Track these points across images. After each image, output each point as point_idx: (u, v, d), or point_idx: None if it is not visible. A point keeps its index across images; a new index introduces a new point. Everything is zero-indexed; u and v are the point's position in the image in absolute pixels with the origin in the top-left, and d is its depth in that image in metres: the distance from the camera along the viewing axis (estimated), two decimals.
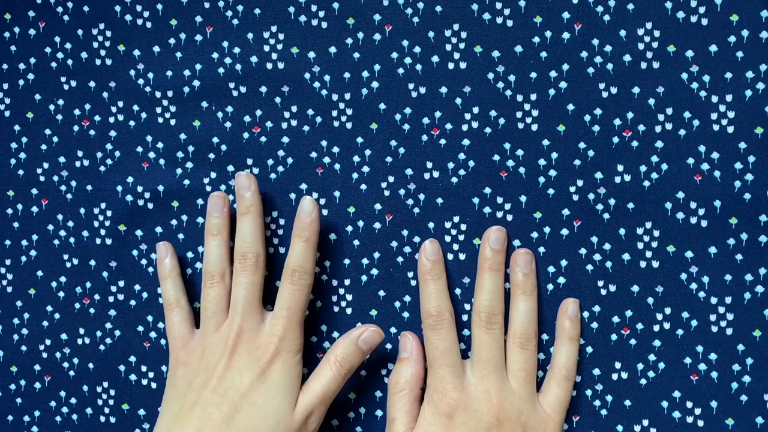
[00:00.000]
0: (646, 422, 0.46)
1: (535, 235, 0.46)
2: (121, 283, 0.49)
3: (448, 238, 0.46)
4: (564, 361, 0.45)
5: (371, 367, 0.47)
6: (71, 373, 0.49)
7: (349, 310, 0.47)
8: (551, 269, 0.46)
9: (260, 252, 0.45)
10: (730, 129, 0.44)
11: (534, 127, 0.46)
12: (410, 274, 0.47)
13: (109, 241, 0.49)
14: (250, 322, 0.44)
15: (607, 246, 0.46)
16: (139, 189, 0.48)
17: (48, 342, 0.49)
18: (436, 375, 0.44)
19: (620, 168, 0.45)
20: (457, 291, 0.46)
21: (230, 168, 0.48)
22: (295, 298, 0.44)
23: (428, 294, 0.45)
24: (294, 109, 0.47)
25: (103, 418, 0.49)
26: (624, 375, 0.46)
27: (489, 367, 0.44)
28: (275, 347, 0.43)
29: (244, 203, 0.45)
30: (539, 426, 0.43)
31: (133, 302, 0.49)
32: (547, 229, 0.46)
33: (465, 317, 0.46)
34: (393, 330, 0.47)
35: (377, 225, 0.47)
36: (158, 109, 0.48)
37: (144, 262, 0.48)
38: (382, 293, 0.47)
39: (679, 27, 0.44)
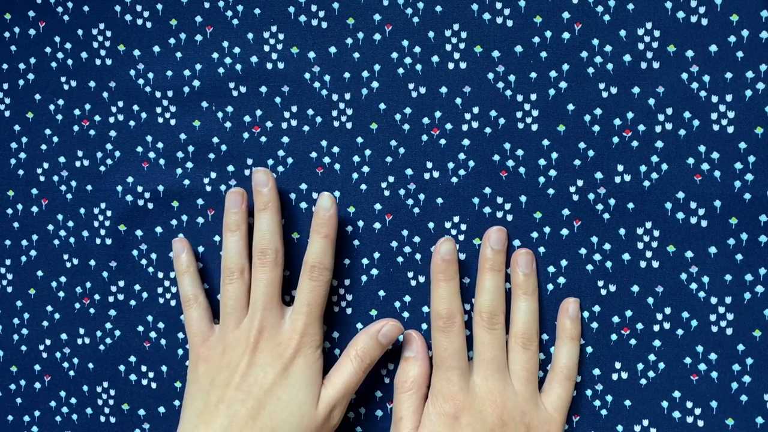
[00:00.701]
0: (646, 422, 0.46)
1: (535, 235, 0.46)
2: (121, 283, 0.49)
3: None
4: (566, 361, 0.45)
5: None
6: (71, 373, 0.49)
7: (349, 310, 0.47)
8: (551, 269, 0.46)
9: (279, 248, 0.45)
10: (730, 129, 0.44)
11: (534, 127, 0.46)
12: (410, 274, 0.47)
13: (109, 241, 0.49)
14: (271, 319, 0.44)
15: (607, 246, 0.46)
16: (139, 189, 0.48)
17: (48, 342, 0.49)
18: (443, 377, 0.44)
19: (620, 168, 0.45)
20: None
21: (230, 168, 0.48)
22: (314, 294, 0.45)
23: (440, 295, 0.45)
24: (294, 109, 0.47)
25: (103, 418, 0.49)
26: (624, 375, 0.46)
27: (492, 367, 0.44)
28: (297, 343, 0.44)
29: (262, 199, 0.45)
30: (542, 426, 0.43)
31: (133, 302, 0.49)
32: (547, 229, 0.46)
33: (465, 317, 0.46)
34: None
35: (377, 225, 0.47)
36: (158, 109, 0.48)
37: (144, 262, 0.48)
38: (382, 293, 0.47)
39: (679, 27, 0.44)
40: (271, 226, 0.45)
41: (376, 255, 0.47)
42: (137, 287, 0.49)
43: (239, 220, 0.46)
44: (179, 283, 0.47)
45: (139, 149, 0.48)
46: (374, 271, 0.47)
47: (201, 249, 0.48)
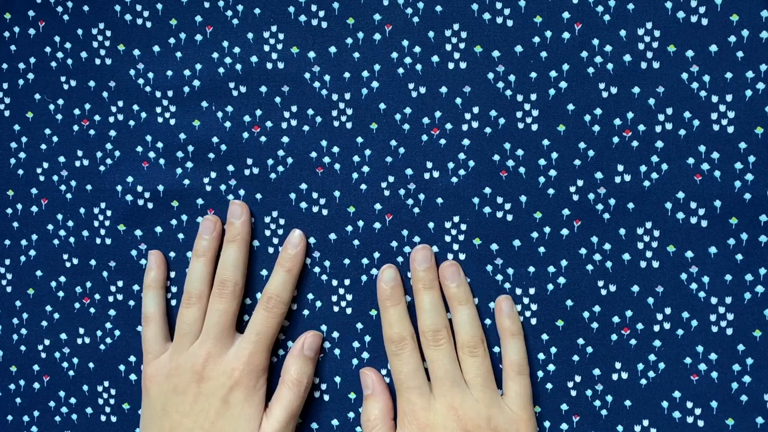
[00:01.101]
0: (646, 422, 0.46)
1: (535, 235, 0.46)
2: (121, 283, 0.49)
3: (448, 238, 0.46)
4: (513, 357, 0.45)
5: (371, 366, 0.47)
6: (71, 373, 0.49)
7: (349, 310, 0.47)
8: (551, 269, 0.46)
9: (239, 281, 0.46)
10: (730, 129, 0.44)
11: (534, 127, 0.46)
12: (410, 274, 0.47)
13: (108, 241, 0.49)
14: (219, 348, 0.45)
15: (607, 246, 0.46)
16: (139, 189, 0.48)
17: (47, 342, 0.49)
18: (404, 399, 0.44)
19: (620, 168, 0.45)
20: None
21: (230, 168, 0.48)
22: (266, 324, 0.46)
23: (389, 320, 0.45)
24: (294, 109, 0.47)
25: (103, 417, 0.49)
26: (624, 375, 0.46)
27: (447, 382, 0.44)
28: (239, 373, 0.45)
29: (233, 231, 0.47)
30: (510, 426, 0.44)
31: (132, 302, 0.49)
32: (547, 229, 0.46)
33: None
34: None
35: (377, 225, 0.47)
36: (158, 109, 0.48)
37: (143, 262, 0.48)
38: None
39: (679, 27, 0.45)
40: (236, 260, 0.46)
41: (376, 255, 0.47)
42: (136, 287, 0.49)
43: (207, 246, 0.47)
44: (143, 297, 0.48)
45: (139, 149, 0.48)
46: (374, 271, 0.47)
47: None
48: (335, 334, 0.47)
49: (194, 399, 0.44)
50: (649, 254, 0.45)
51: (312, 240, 0.47)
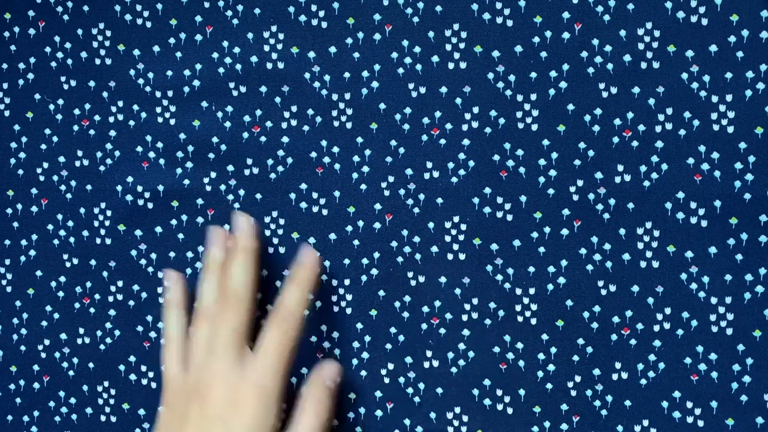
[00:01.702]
0: (646, 422, 0.46)
1: (535, 235, 0.46)
2: (121, 283, 0.49)
3: (448, 238, 0.46)
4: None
5: (371, 366, 0.47)
6: (71, 373, 0.49)
7: (349, 310, 0.47)
8: (551, 269, 0.46)
9: (249, 297, 0.44)
10: (730, 129, 0.44)
11: (534, 127, 0.46)
12: (410, 274, 0.47)
13: (108, 241, 0.49)
14: (231, 365, 0.43)
15: (607, 246, 0.46)
16: (139, 189, 0.48)
17: (47, 342, 0.49)
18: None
19: (620, 168, 0.45)
20: (457, 291, 0.46)
21: (230, 168, 0.48)
22: (280, 343, 0.44)
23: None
24: (294, 109, 0.47)
25: (103, 418, 0.49)
26: (624, 375, 0.46)
27: None
28: (251, 389, 0.43)
29: (240, 245, 0.45)
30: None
31: (132, 302, 0.49)
32: (547, 229, 0.46)
33: (465, 317, 0.46)
34: (393, 330, 0.47)
35: (377, 225, 0.47)
36: (158, 109, 0.48)
37: (143, 262, 0.48)
38: (382, 293, 0.47)
39: (679, 27, 0.45)
40: (245, 275, 0.44)
41: (376, 255, 0.47)
42: (136, 287, 0.49)
43: (216, 261, 0.45)
44: (164, 318, 0.46)
45: (139, 149, 0.48)
46: (374, 271, 0.47)
47: (201, 249, 0.48)
48: (335, 334, 0.48)
49: (202, 416, 0.42)
50: (649, 254, 0.45)
51: (312, 240, 0.47)
